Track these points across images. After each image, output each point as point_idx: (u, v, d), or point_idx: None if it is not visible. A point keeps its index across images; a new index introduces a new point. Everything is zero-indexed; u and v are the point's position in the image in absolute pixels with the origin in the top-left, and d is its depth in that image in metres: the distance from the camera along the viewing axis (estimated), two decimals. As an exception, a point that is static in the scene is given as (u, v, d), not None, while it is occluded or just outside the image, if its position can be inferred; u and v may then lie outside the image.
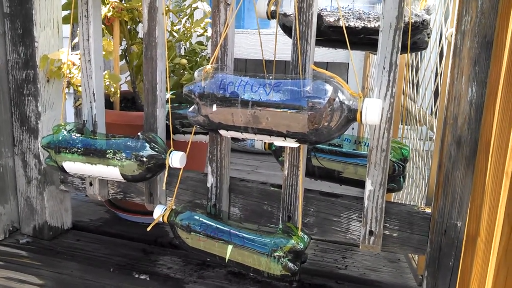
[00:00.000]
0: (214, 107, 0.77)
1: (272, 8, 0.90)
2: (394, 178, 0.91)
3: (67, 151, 0.94)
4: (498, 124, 0.66)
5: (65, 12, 1.17)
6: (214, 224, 0.86)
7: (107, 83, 1.15)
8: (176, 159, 0.88)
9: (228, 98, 0.76)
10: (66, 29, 1.21)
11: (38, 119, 1.12)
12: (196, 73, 0.82)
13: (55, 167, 0.98)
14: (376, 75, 0.80)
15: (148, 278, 1.02)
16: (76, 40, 1.15)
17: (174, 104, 1.08)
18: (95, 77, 1.01)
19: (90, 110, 1.02)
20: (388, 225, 0.87)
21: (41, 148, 1.12)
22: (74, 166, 0.95)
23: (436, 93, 1.01)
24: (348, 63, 2.11)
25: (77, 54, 1.09)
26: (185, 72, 1.28)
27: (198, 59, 1.33)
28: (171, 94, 1.10)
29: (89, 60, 1.00)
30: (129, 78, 1.30)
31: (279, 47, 0.93)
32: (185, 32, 1.32)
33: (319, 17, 0.85)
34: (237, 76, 0.78)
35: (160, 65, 0.96)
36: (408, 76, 1.25)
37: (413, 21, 0.83)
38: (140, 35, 1.27)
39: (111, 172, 0.91)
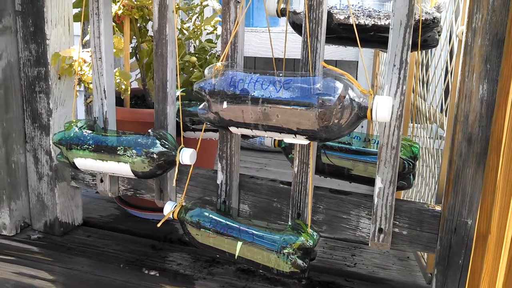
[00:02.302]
0: (225, 104, 0.78)
1: (282, 5, 0.90)
2: (404, 176, 0.91)
3: (78, 147, 0.95)
4: (510, 121, 0.66)
5: (76, 10, 1.18)
6: (223, 221, 0.86)
7: (118, 80, 1.16)
8: (186, 156, 0.89)
9: (238, 95, 0.76)
10: (77, 26, 1.22)
11: (50, 116, 1.13)
12: (206, 71, 0.82)
13: (67, 164, 0.99)
14: (386, 73, 0.80)
15: (157, 274, 1.03)
16: (87, 38, 1.16)
17: (184, 102, 1.08)
18: (106, 74, 1.01)
19: (101, 107, 1.03)
20: (397, 222, 0.87)
21: (52, 145, 1.13)
22: (85, 162, 0.95)
23: (446, 91, 1.01)
24: (358, 61, 2.11)
25: (88, 52, 1.10)
26: (195, 70, 1.29)
27: (207, 57, 1.34)
28: (181, 92, 1.10)
29: (100, 58, 1.01)
30: (139, 75, 1.31)
31: (288, 45, 0.93)
32: (195, 30, 1.32)
33: (329, 14, 0.85)
34: (247, 73, 0.78)
35: (170, 63, 0.97)
36: (418, 74, 1.24)
37: (423, 18, 0.83)
38: (150, 33, 1.28)
39: (122, 168, 0.92)
